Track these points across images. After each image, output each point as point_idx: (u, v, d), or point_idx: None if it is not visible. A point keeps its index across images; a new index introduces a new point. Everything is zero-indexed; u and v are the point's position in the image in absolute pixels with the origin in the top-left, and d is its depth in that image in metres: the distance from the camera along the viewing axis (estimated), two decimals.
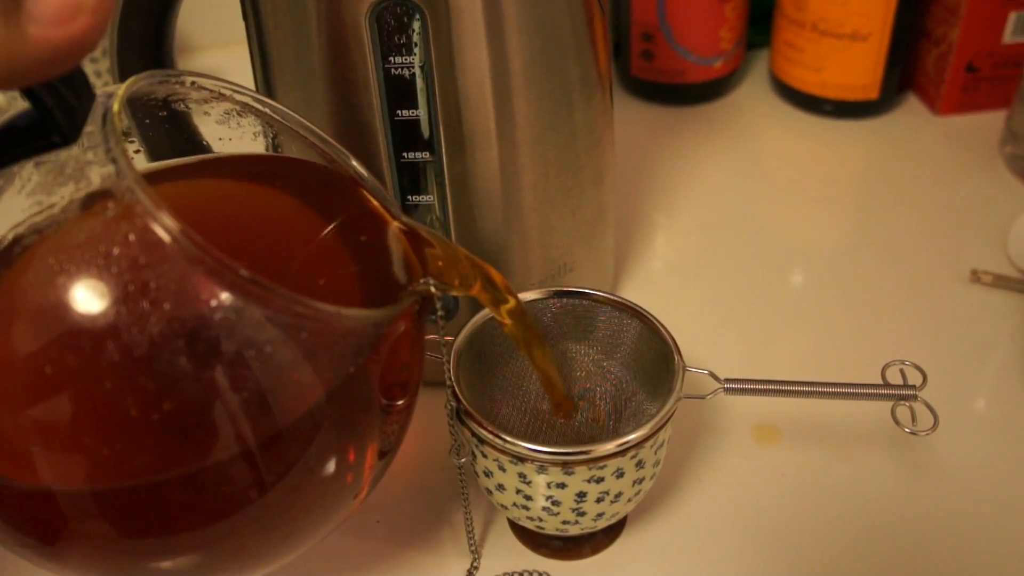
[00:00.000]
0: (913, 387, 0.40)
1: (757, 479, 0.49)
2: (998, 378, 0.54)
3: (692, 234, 0.67)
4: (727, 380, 0.41)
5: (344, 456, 0.36)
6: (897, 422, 0.40)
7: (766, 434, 0.51)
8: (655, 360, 0.43)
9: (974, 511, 0.47)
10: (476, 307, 0.50)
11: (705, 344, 0.57)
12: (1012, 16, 0.71)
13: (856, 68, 0.74)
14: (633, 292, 0.62)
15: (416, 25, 0.42)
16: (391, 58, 0.43)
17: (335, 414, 0.34)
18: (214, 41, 0.93)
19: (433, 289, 0.37)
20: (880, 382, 0.41)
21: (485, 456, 0.41)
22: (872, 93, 0.75)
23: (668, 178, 0.73)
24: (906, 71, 0.76)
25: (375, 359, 0.35)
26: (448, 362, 0.42)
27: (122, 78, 0.51)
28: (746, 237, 0.67)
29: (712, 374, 0.41)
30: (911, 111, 0.78)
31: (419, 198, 0.47)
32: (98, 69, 0.77)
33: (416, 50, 0.42)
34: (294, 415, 0.33)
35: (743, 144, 0.76)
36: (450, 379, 0.41)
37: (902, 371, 0.41)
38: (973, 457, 0.49)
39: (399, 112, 0.44)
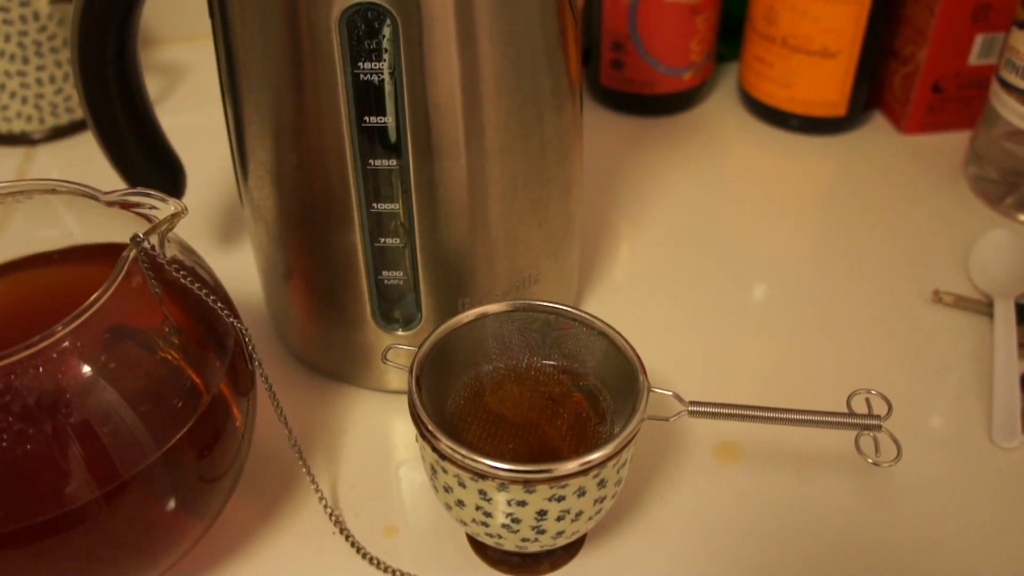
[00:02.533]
0: (878, 417, 0.40)
1: (718, 497, 0.49)
2: (956, 399, 0.54)
3: (657, 245, 0.67)
4: (691, 403, 0.41)
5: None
6: (860, 452, 0.40)
7: (728, 452, 0.51)
8: (621, 378, 0.43)
9: (933, 532, 0.47)
10: (441, 316, 0.49)
11: (667, 357, 0.57)
12: (979, 39, 0.72)
13: (824, 85, 0.74)
14: (597, 302, 0.62)
15: (387, 31, 0.41)
16: (360, 63, 0.42)
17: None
18: (178, 34, 0.91)
19: (142, 235, 0.38)
20: (845, 410, 0.41)
21: (445, 472, 0.40)
22: (839, 110, 0.75)
23: (635, 188, 0.73)
24: (873, 89, 0.76)
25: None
26: (411, 375, 0.41)
27: (84, 78, 0.50)
28: (710, 249, 0.66)
29: (676, 396, 0.41)
30: (877, 129, 0.79)
31: (384, 205, 0.46)
32: (59, 59, 0.76)
33: (386, 56, 0.42)
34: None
35: (710, 156, 0.76)
36: (411, 393, 0.40)
37: (867, 400, 0.41)
38: (931, 478, 0.49)
39: (367, 118, 0.43)
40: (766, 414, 0.40)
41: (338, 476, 0.50)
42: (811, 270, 0.64)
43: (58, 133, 0.78)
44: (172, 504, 0.40)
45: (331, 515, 0.47)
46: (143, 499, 0.38)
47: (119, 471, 0.37)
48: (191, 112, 0.81)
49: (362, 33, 0.41)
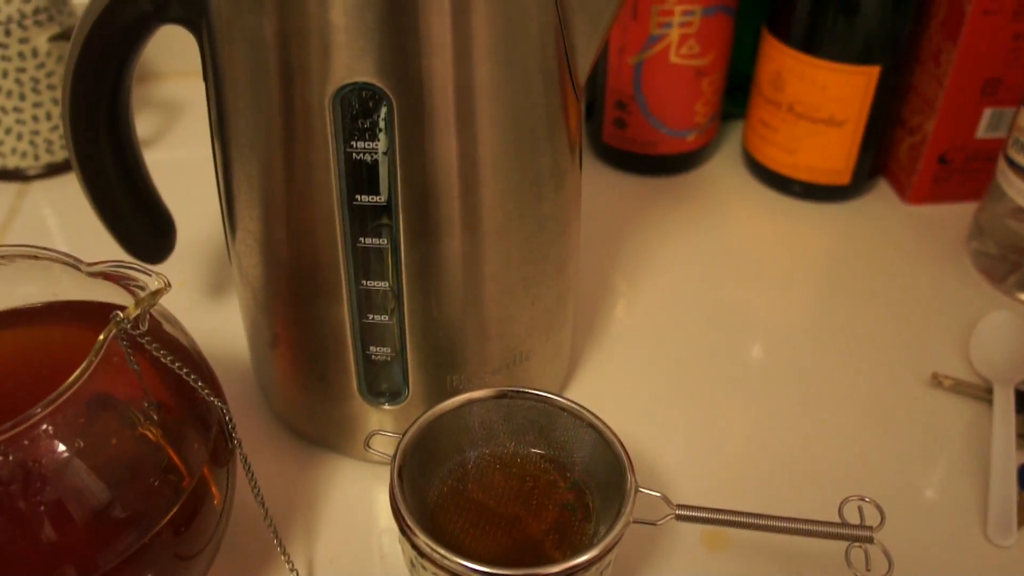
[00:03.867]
0: (870, 528, 0.38)
1: None
2: (951, 488, 0.53)
3: (654, 307, 0.66)
4: (679, 506, 0.40)
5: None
6: (850, 564, 0.39)
7: (716, 539, 0.50)
8: (608, 472, 0.42)
9: None
10: (429, 392, 0.48)
11: (658, 427, 0.56)
12: (987, 112, 0.71)
13: (830, 152, 0.73)
14: (591, 367, 0.61)
15: (382, 111, 0.40)
16: (354, 142, 0.41)
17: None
18: (177, 70, 0.91)
19: (122, 315, 0.37)
20: (837, 520, 0.40)
21: (424, 568, 0.39)
22: (844, 178, 0.74)
23: (634, 247, 0.72)
24: (879, 157, 0.76)
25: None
26: (393, 467, 0.40)
27: (74, 132, 0.49)
28: (707, 314, 0.66)
29: (665, 498, 0.40)
30: (881, 197, 0.78)
31: (374, 283, 0.45)
32: (55, 97, 0.75)
33: (380, 136, 0.41)
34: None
35: (711, 218, 0.75)
36: (393, 486, 0.39)
37: (860, 508, 0.40)
38: (923, 558, 0.48)
39: (358, 196, 0.42)
40: (756, 521, 0.39)
41: (318, 548, 0.49)
42: (809, 342, 0.63)
43: (53, 170, 0.78)
44: None
45: None
46: None
47: (95, 553, 0.36)
48: (189, 148, 0.80)
49: (356, 112, 0.40)
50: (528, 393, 0.44)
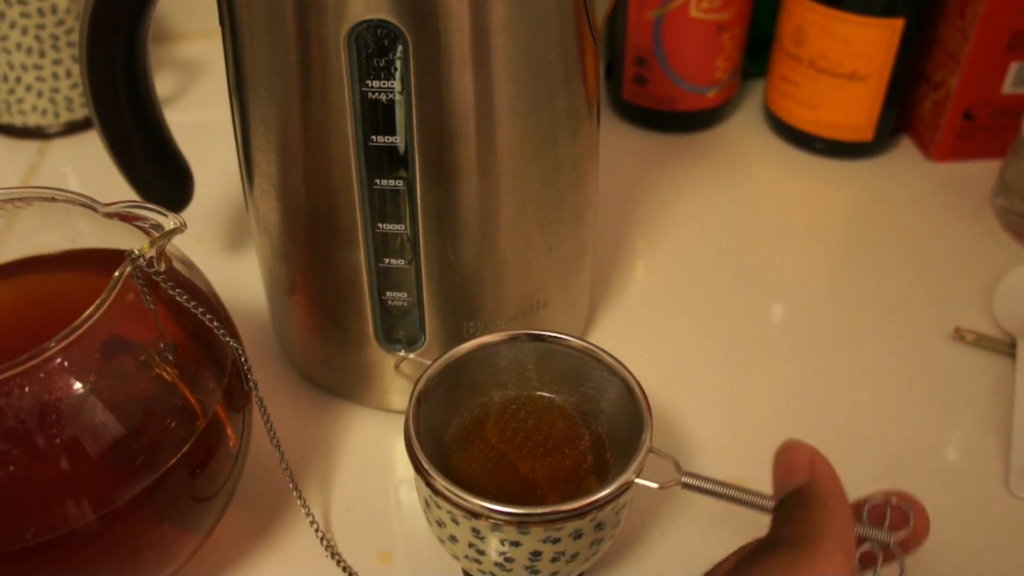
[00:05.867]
0: (890, 534, 0.37)
1: (720, 535, 0.47)
2: (973, 442, 0.53)
3: (673, 264, 0.66)
4: (687, 474, 0.38)
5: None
6: (860, 571, 0.37)
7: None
8: (629, 427, 0.41)
9: (951, 565, 0.46)
10: (445, 338, 0.48)
11: (676, 382, 0.56)
12: (1013, 67, 0.70)
13: (852, 108, 0.72)
14: (609, 322, 0.60)
15: (398, 49, 0.40)
16: (369, 81, 0.41)
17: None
18: (194, 31, 0.91)
19: (137, 252, 0.37)
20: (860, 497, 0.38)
21: (439, 507, 0.39)
22: (866, 135, 0.74)
23: (654, 205, 0.71)
24: (902, 114, 0.75)
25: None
26: (409, 407, 0.40)
27: (92, 81, 0.49)
28: (727, 272, 0.65)
29: (676, 463, 0.39)
30: (904, 155, 0.77)
31: (390, 226, 0.45)
32: (75, 54, 0.75)
33: (396, 75, 0.40)
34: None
35: (731, 176, 0.75)
36: (408, 427, 0.39)
37: (888, 509, 0.38)
38: (943, 525, 0.47)
39: (374, 137, 0.42)
40: (761, 502, 0.37)
41: (334, 497, 0.49)
42: (830, 298, 0.63)
43: (72, 128, 0.78)
44: (163, 523, 0.39)
45: (323, 539, 0.46)
46: (134, 518, 0.37)
47: (111, 490, 0.36)
48: (206, 109, 0.80)
49: (372, 51, 0.40)
50: (556, 338, 0.43)
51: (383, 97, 0.41)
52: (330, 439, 0.52)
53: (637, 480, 0.38)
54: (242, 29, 0.43)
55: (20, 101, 0.75)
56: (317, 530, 0.46)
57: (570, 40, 0.44)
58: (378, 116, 0.42)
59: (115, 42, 0.48)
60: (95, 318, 0.36)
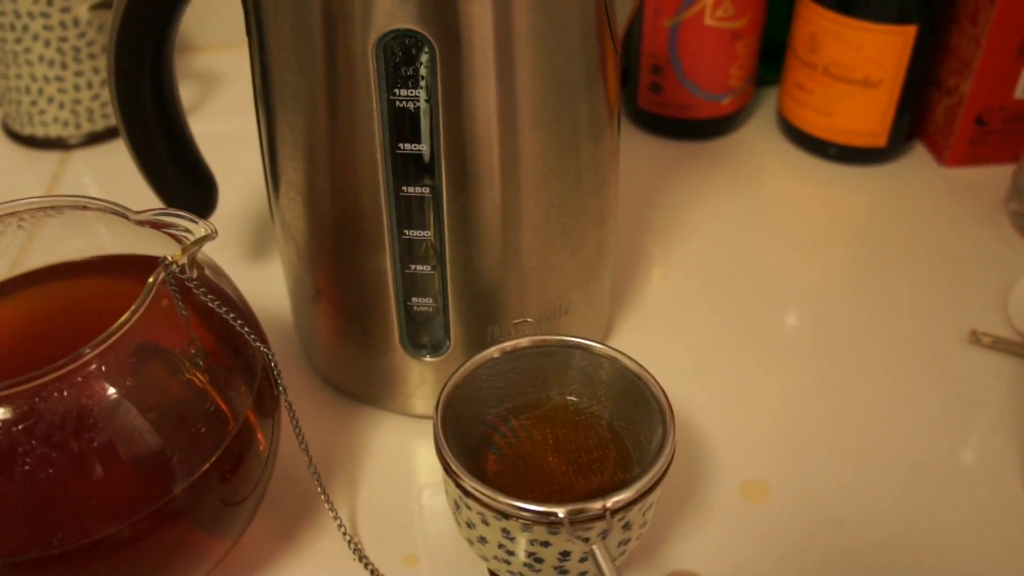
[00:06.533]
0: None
1: (744, 536, 0.48)
2: (989, 443, 0.53)
3: (690, 271, 0.66)
4: None
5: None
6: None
7: (755, 490, 0.50)
8: (651, 424, 0.42)
9: (968, 568, 0.46)
10: (469, 343, 0.49)
11: (694, 388, 0.56)
12: None
13: (865, 114, 0.73)
14: (627, 328, 0.61)
15: (424, 58, 0.40)
16: (396, 90, 0.41)
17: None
18: (216, 42, 0.91)
19: (171, 258, 0.38)
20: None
21: (468, 508, 0.39)
22: (880, 140, 0.74)
23: (669, 212, 0.72)
24: (915, 120, 0.75)
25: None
26: (437, 410, 0.41)
27: (119, 86, 0.50)
28: (743, 278, 0.66)
29: None
30: (917, 160, 0.77)
31: (416, 233, 0.45)
32: (97, 66, 0.76)
33: (423, 83, 0.41)
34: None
35: (746, 183, 0.75)
36: (437, 428, 0.40)
37: None
38: (960, 523, 0.48)
39: (401, 145, 0.43)
40: None
41: (360, 501, 0.50)
42: (845, 303, 0.63)
43: (93, 139, 0.79)
44: (194, 527, 0.40)
45: (350, 542, 0.47)
46: (166, 522, 0.38)
47: (143, 495, 0.37)
48: (227, 120, 0.81)
49: (399, 60, 0.41)
50: (573, 342, 0.44)
51: (410, 105, 0.42)
52: (355, 444, 0.53)
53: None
54: (270, 39, 0.43)
55: (42, 112, 0.76)
56: (344, 533, 0.47)
57: (592, 48, 0.44)
58: (404, 124, 0.42)
59: (143, 51, 0.49)
60: (130, 324, 0.36)
